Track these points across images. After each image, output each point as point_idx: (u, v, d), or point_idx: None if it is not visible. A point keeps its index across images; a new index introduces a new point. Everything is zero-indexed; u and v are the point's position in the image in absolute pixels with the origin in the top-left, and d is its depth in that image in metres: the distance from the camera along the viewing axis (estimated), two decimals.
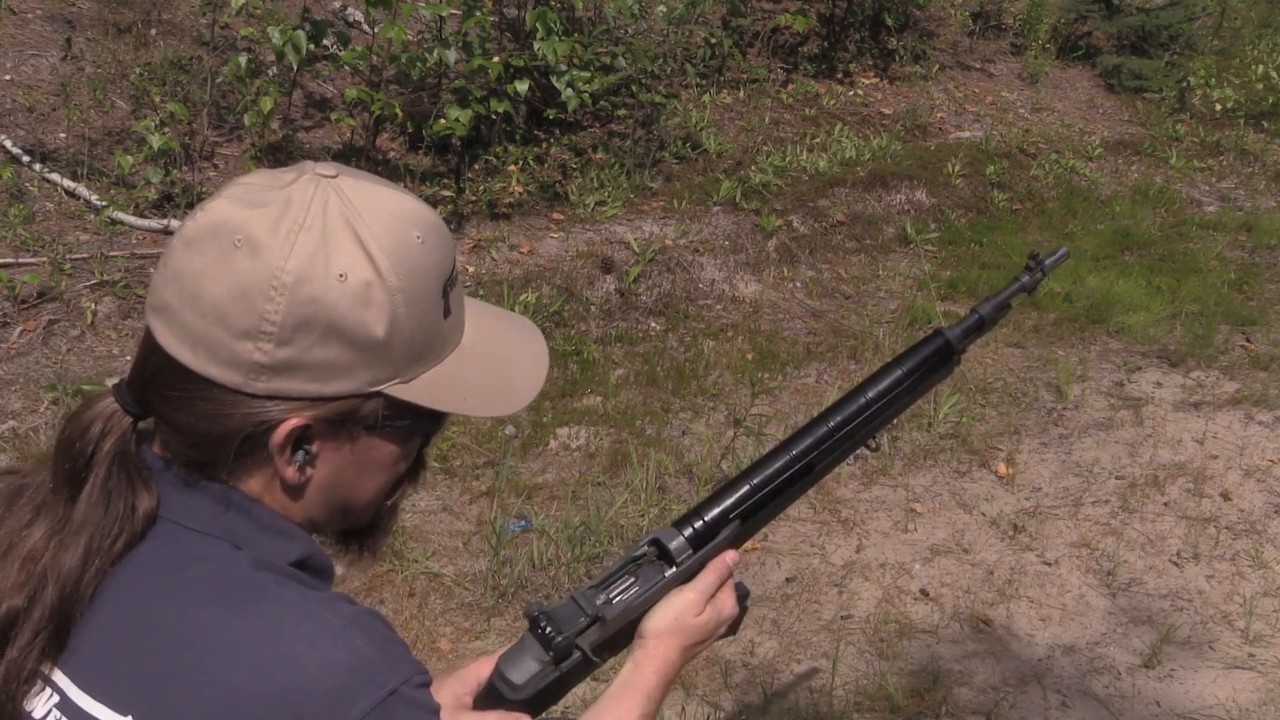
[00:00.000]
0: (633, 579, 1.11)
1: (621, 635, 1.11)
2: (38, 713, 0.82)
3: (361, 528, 0.95)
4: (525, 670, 1.06)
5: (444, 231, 0.88)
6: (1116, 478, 3.88)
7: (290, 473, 0.84)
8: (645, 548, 1.13)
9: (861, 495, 3.71)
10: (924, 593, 3.25)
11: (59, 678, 0.82)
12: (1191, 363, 4.72)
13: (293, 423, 0.82)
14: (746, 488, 1.16)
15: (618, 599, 1.09)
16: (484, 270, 4.69)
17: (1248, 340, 4.98)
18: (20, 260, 4.10)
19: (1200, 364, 4.71)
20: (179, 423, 0.84)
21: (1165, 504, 3.74)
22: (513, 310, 4.43)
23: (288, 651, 0.77)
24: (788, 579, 3.28)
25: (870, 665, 2.94)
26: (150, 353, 0.84)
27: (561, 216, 5.21)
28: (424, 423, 0.89)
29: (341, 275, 0.80)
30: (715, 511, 1.14)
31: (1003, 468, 3.89)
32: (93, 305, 4.01)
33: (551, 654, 1.06)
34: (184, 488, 0.84)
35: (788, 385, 4.39)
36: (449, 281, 0.87)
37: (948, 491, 3.76)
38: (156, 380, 0.83)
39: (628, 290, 4.84)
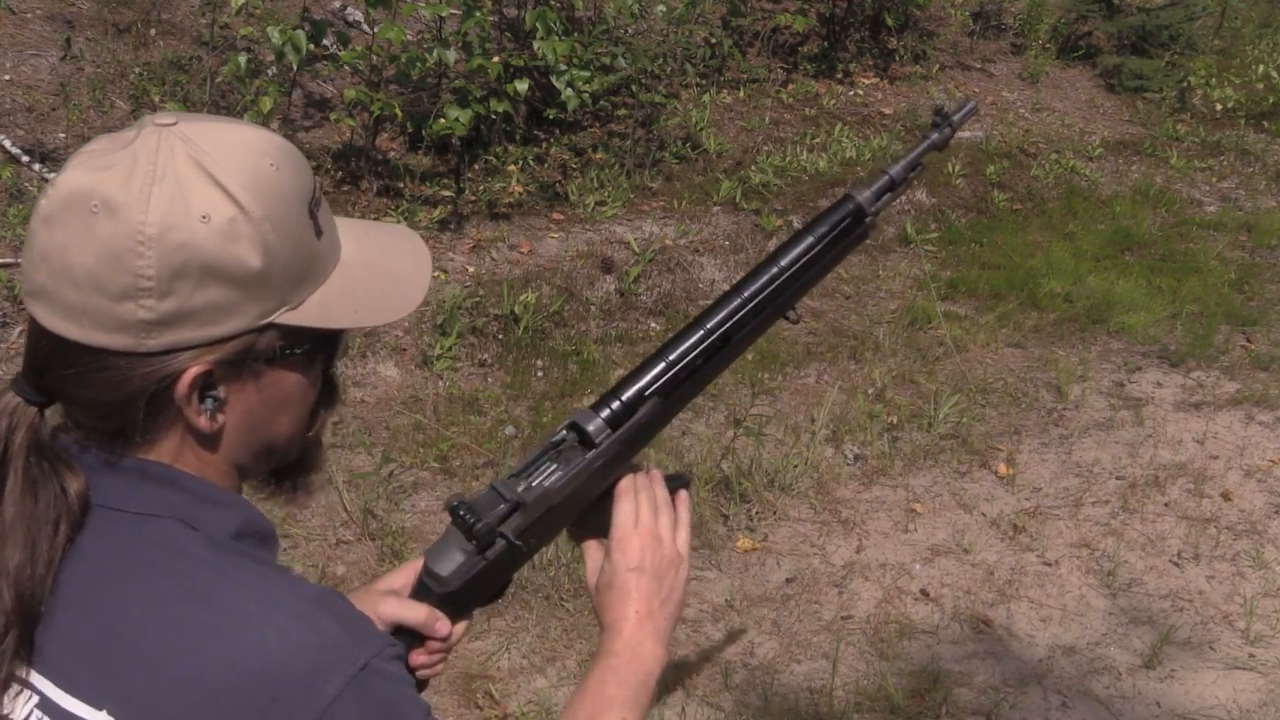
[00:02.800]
0: (553, 465, 1.09)
1: (546, 523, 1.09)
2: (18, 715, 0.82)
3: (290, 465, 0.95)
4: (450, 562, 1.05)
5: (296, 154, 0.88)
6: (1117, 478, 3.88)
7: (202, 422, 0.84)
8: (563, 433, 1.11)
9: (861, 495, 3.70)
10: (924, 593, 3.25)
11: (35, 679, 0.82)
12: (1192, 363, 4.71)
13: (194, 370, 0.82)
14: (662, 364, 1.14)
15: (537, 484, 1.08)
16: (484, 270, 4.69)
17: (1248, 340, 4.98)
18: (20, 260, 4.09)
19: (1200, 364, 4.71)
20: (83, 399, 0.84)
21: (1165, 504, 3.74)
22: (512, 309, 4.45)
23: (256, 639, 0.78)
24: (788, 579, 3.28)
25: (870, 665, 2.94)
26: (39, 338, 0.84)
27: (561, 216, 5.21)
28: (322, 344, 0.89)
29: (204, 216, 0.80)
30: (632, 391, 1.12)
31: (1003, 468, 3.89)
32: None
33: (474, 542, 1.04)
34: (108, 469, 0.85)
35: (788, 385, 4.39)
36: (313, 202, 0.87)
37: (948, 492, 3.76)
38: (51, 364, 0.83)
39: (628, 290, 4.84)
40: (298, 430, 0.92)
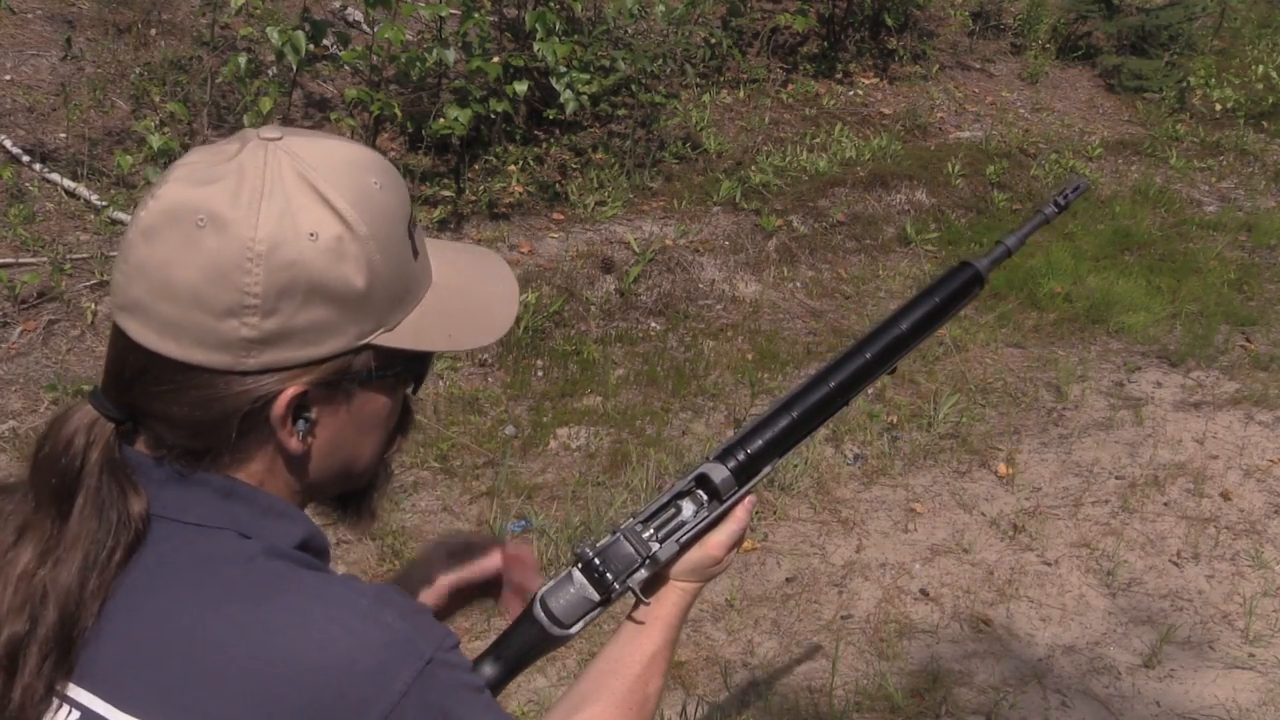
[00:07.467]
0: (676, 511, 1.12)
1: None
2: None
3: (358, 490, 0.95)
4: (575, 610, 1.07)
5: (396, 174, 0.88)
6: (1116, 478, 3.88)
7: (294, 443, 0.83)
8: (691, 483, 1.13)
9: (861, 495, 3.71)
10: (924, 593, 3.25)
11: (79, 694, 0.79)
12: (1191, 363, 4.72)
13: (291, 391, 0.81)
14: (788, 421, 1.15)
15: (667, 537, 1.11)
16: None
17: (1248, 340, 4.98)
18: (20, 260, 4.09)
19: (1200, 364, 4.71)
20: (173, 416, 0.82)
21: (1165, 504, 3.74)
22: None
23: (321, 637, 0.77)
24: (788, 579, 3.28)
25: (870, 665, 2.94)
26: (127, 352, 0.82)
27: (561, 216, 5.21)
28: (413, 366, 0.90)
29: (313, 234, 0.79)
30: (759, 444, 1.14)
31: (1003, 468, 3.89)
32: (93, 305, 4.01)
33: (605, 595, 1.08)
34: (178, 482, 0.83)
35: (788, 385, 4.39)
36: (410, 222, 0.88)
37: (948, 491, 3.76)
38: (140, 379, 0.81)
39: (628, 290, 4.84)
40: (377, 454, 0.92)
